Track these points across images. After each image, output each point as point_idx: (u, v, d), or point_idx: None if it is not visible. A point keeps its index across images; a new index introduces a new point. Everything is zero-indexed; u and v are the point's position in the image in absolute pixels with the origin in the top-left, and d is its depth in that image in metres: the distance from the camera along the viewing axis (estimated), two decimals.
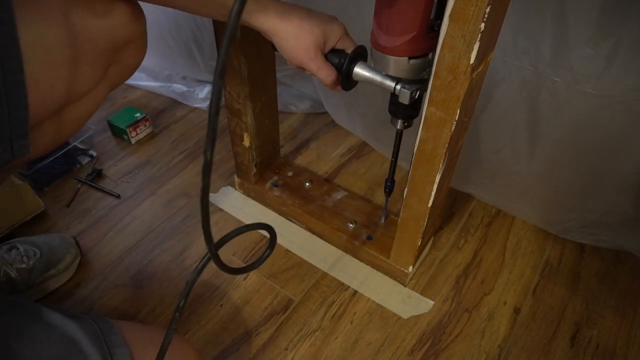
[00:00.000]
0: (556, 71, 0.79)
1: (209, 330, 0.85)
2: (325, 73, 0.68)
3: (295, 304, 0.90)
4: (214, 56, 1.25)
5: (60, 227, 1.01)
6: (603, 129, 0.82)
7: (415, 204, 0.77)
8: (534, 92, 0.83)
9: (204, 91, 1.34)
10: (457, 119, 0.62)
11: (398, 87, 0.67)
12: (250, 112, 0.91)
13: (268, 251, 0.65)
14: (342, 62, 0.68)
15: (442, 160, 0.68)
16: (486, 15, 0.51)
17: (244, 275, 0.94)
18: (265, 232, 0.60)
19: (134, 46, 0.62)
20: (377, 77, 0.68)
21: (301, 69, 0.69)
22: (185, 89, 1.36)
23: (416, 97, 0.67)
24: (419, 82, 0.67)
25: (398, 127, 0.75)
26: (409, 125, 0.75)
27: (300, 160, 1.20)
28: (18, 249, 0.87)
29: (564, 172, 0.92)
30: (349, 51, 0.69)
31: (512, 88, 0.85)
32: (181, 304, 0.55)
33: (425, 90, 0.65)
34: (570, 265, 0.98)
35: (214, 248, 0.45)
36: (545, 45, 0.78)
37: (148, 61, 1.38)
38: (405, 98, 0.67)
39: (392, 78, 0.67)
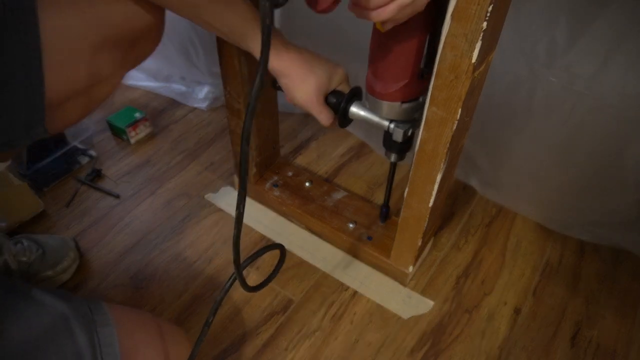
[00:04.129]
0: (552, 71, 0.79)
1: (209, 330, 0.85)
2: (325, 116, 0.72)
3: (295, 304, 0.90)
4: (211, 57, 1.25)
5: (59, 227, 1.01)
6: (601, 130, 0.82)
7: (416, 204, 0.77)
8: (529, 91, 0.83)
9: (203, 91, 1.34)
10: (458, 118, 0.62)
11: (392, 125, 0.70)
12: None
13: (280, 265, 0.75)
14: (339, 102, 0.72)
15: (443, 160, 0.68)
16: (488, 14, 0.51)
17: (244, 275, 0.93)
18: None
19: (153, 32, 0.63)
20: (372, 117, 0.72)
21: (300, 106, 0.72)
22: (184, 89, 1.36)
23: (409, 134, 0.71)
24: (411, 120, 0.70)
25: (392, 160, 0.79)
26: (402, 158, 0.78)
27: (300, 160, 1.20)
28: (23, 243, 0.87)
29: (562, 172, 0.92)
30: (346, 92, 0.73)
31: (507, 87, 0.85)
32: (210, 320, 0.64)
33: (418, 127, 0.69)
34: (571, 266, 0.98)
35: (240, 269, 0.58)
36: (541, 45, 0.78)
37: (147, 61, 1.38)
38: (398, 136, 0.71)
39: (386, 118, 0.71)
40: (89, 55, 0.54)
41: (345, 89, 0.73)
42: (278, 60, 0.66)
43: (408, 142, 0.74)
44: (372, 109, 0.71)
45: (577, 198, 0.96)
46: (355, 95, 0.73)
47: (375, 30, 0.63)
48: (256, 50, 0.66)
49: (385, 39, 0.60)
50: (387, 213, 0.93)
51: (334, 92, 0.73)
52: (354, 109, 0.72)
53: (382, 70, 0.65)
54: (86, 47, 0.54)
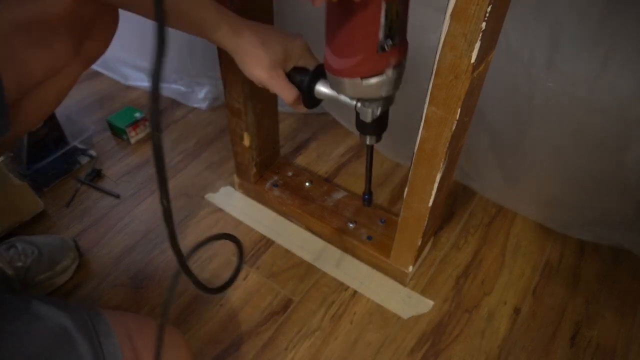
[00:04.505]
0: (550, 76, 0.79)
1: (209, 331, 0.85)
2: (287, 92, 0.67)
3: (295, 304, 0.90)
4: (209, 58, 1.24)
5: (59, 227, 1.01)
6: (601, 130, 0.82)
7: (416, 203, 0.77)
8: (529, 94, 0.83)
9: (203, 92, 1.34)
10: (457, 118, 0.62)
11: (359, 104, 0.65)
12: (251, 111, 0.91)
13: (239, 264, 0.65)
14: (303, 80, 0.67)
15: (442, 160, 0.68)
16: (487, 14, 0.51)
17: (244, 275, 0.94)
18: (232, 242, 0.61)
19: (104, 20, 0.62)
20: (339, 95, 0.67)
21: (260, 84, 0.69)
22: (183, 89, 1.36)
23: (378, 113, 0.66)
24: (379, 99, 0.64)
25: (367, 143, 0.72)
26: (379, 139, 0.71)
27: (300, 160, 1.20)
28: (17, 247, 0.86)
29: (562, 172, 0.92)
30: (312, 68, 0.68)
31: (506, 89, 0.85)
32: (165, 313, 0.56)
33: (390, 105, 0.64)
34: (570, 266, 0.98)
35: (186, 266, 0.48)
36: (539, 49, 0.78)
37: (147, 62, 1.38)
38: (366, 116, 0.66)
39: (351, 96, 0.66)
40: (38, 46, 0.54)
41: (309, 61, 0.69)
42: (228, 39, 0.63)
43: (380, 121, 0.67)
44: (336, 88, 0.65)
45: (577, 198, 0.96)
46: (321, 73, 0.67)
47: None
48: (224, 41, 0.64)
49: (336, 10, 0.55)
50: (370, 200, 0.84)
51: (298, 69, 0.68)
52: (320, 88, 0.67)
53: (336, 43, 0.59)
54: (34, 38, 0.53)
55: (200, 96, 1.34)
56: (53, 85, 0.60)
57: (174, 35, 1.33)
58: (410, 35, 0.59)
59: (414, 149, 0.70)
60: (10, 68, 0.51)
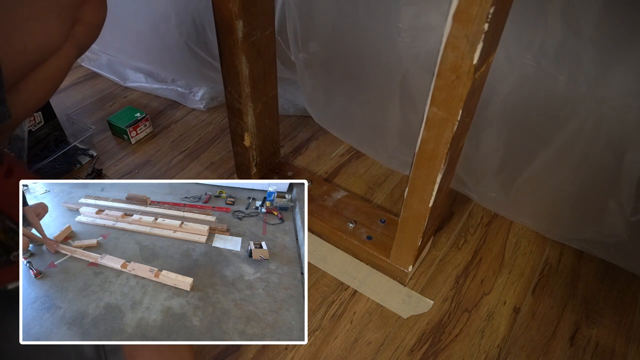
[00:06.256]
0: (559, 68, 0.78)
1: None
2: None
3: None
4: (206, 60, 1.24)
5: None
6: (601, 137, 0.81)
7: (416, 203, 0.78)
8: (534, 90, 0.83)
9: (200, 93, 1.34)
10: (459, 119, 0.62)
11: None
12: (251, 112, 0.92)
13: None
14: None
15: (443, 160, 0.68)
16: (490, 16, 0.51)
17: None
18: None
19: (94, 2, 0.63)
20: None
21: None
22: (181, 90, 1.36)
23: None
24: None
25: None
26: None
27: (300, 160, 1.20)
28: None
29: (559, 186, 0.92)
30: None
31: (514, 85, 0.85)
32: None
33: None
34: (570, 265, 0.99)
35: None
36: (549, 42, 0.77)
37: (145, 64, 1.39)
38: None
39: None
40: (34, 24, 0.54)
41: None
42: None
43: None
44: None
45: (571, 213, 0.95)
46: None
47: None
48: None
49: None
50: None
51: None
52: None
53: None
54: (29, 16, 0.53)
55: (197, 97, 1.34)
56: (49, 69, 0.60)
57: (171, 36, 1.33)
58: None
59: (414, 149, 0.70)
60: (6, 45, 0.51)
